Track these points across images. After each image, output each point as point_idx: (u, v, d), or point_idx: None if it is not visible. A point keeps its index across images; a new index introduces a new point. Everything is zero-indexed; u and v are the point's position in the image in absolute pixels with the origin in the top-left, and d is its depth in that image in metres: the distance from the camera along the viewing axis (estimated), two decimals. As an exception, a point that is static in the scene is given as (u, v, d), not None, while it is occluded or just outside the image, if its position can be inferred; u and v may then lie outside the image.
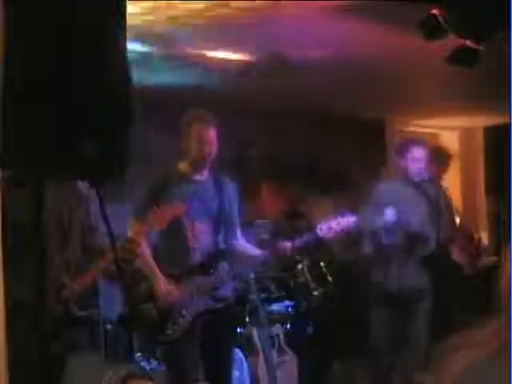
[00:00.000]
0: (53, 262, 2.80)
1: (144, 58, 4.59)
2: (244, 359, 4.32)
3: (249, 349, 4.42)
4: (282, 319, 4.92)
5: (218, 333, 3.44)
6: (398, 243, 4.26)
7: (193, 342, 3.34)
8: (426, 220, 4.24)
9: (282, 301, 5.19)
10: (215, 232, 3.47)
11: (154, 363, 4.12)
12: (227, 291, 3.52)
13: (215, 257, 3.45)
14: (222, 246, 3.50)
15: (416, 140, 4.43)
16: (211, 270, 3.42)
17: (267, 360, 4.26)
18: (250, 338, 4.45)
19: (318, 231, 3.53)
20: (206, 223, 3.43)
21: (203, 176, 3.50)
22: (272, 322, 4.61)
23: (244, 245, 3.71)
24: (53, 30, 1.64)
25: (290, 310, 5.11)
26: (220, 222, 3.49)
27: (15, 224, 2.51)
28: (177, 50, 4.62)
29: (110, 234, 2.07)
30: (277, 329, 4.65)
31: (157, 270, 3.32)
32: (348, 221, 3.55)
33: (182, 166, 3.50)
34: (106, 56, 1.72)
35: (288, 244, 3.55)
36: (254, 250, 3.69)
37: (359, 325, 4.58)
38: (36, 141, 1.64)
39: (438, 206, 4.35)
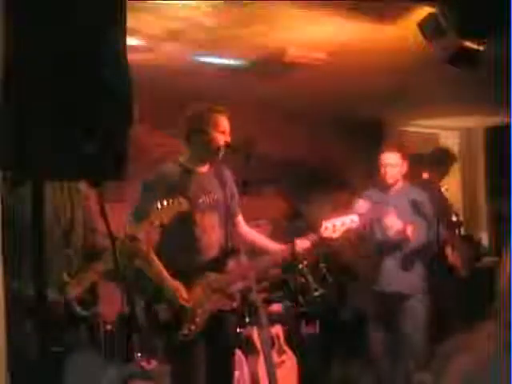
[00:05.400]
0: (54, 261, 2.80)
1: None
2: (244, 359, 4.32)
3: (249, 349, 4.42)
4: (281, 319, 4.92)
5: (225, 332, 3.38)
6: (383, 245, 4.33)
7: (200, 342, 3.27)
8: (414, 223, 4.24)
9: (282, 301, 5.19)
10: (224, 225, 3.38)
11: (154, 363, 4.13)
12: (238, 288, 3.46)
13: (226, 252, 3.36)
14: (232, 239, 3.42)
15: (391, 145, 4.46)
16: (223, 266, 3.33)
17: (267, 360, 4.25)
18: (249, 338, 4.45)
19: (322, 230, 3.48)
20: (214, 216, 3.34)
21: (205, 168, 3.42)
22: (272, 322, 4.61)
23: (254, 233, 3.64)
24: (52, 30, 1.64)
25: (289, 310, 5.11)
26: (226, 214, 3.41)
27: (15, 224, 2.51)
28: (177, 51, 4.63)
29: (110, 234, 2.07)
30: (277, 329, 4.65)
31: (162, 268, 3.22)
32: (352, 220, 3.54)
33: (185, 159, 3.41)
34: (105, 56, 1.72)
35: (306, 241, 3.46)
36: (266, 241, 3.60)
37: (358, 325, 4.58)
38: (36, 141, 1.64)
39: (433, 207, 4.40)
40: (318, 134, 6.90)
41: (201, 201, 3.30)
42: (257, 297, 4.24)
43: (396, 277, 4.29)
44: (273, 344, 4.50)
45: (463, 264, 5.53)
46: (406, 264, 4.29)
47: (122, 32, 1.76)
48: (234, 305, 3.38)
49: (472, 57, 4.05)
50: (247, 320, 4.59)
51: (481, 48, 4.00)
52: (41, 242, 1.74)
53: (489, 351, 1.11)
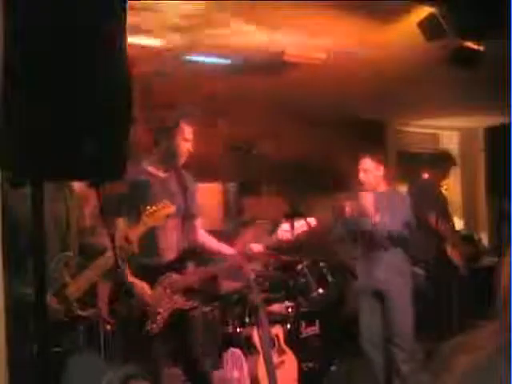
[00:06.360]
0: (53, 261, 2.80)
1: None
2: (244, 359, 4.32)
3: (249, 349, 4.42)
4: (281, 319, 4.92)
5: (192, 332, 3.46)
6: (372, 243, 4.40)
7: (168, 339, 3.35)
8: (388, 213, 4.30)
9: (282, 301, 5.19)
10: (183, 228, 3.48)
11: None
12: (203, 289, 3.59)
13: (187, 254, 3.46)
14: (191, 242, 3.52)
15: (368, 153, 4.51)
16: (183, 268, 3.43)
17: (267, 360, 4.25)
18: (249, 338, 4.44)
19: (279, 233, 3.59)
20: (174, 220, 3.41)
21: (167, 173, 3.50)
22: (272, 322, 4.61)
23: (209, 238, 3.73)
24: (52, 30, 1.64)
25: (290, 310, 5.11)
26: (186, 219, 3.50)
27: (15, 224, 2.51)
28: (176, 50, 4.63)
29: (110, 235, 2.07)
30: (277, 329, 4.65)
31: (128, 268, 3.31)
32: (309, 223, 3.64)
33: (148, 163, 3.48)
34: (105, 56, 1.72)
35: (259, 246, 3.57)
36: (219, 246, 3.70)
37: (357, 324, 4.59)
38: (36, 141, 1.64)
39: (413, 210, 4.47)
40: (318, 133, 6.90)
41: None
42: (257, 297, 4.24)
43: (375, 273, 4.37)
44: (273, 344, 4.49)
45: (463, 263, 5.55)
46: (379, 255, 4.35)
47: (122, 32, 1.76)
48: (195, 304, 3.45)
49: (472, 57, 4.05)
50: (247, 320, 4.60)
51: (481, 48, 4.00)
52: (41, 243, 1.74)
53: (489, 351, 1.11)
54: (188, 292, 3.43)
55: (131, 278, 3.27)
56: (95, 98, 1.71)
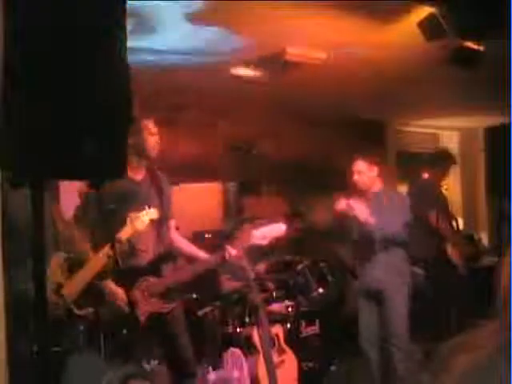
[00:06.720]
0: (51, 261, 2.81)
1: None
2: (244, 359, 4.32)
3: (249, 349, 4.42)
4: (282, 319, 4.92)
5: (178, 334, 3.47)
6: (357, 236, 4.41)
7: (151, 342, 3.38)
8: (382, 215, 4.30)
9: (282, 301, 5.19)
10: (158, 231, 3.46)
11: (154, 363, 4.12)
12: (179, 291, 3.55)
13: (163, 257, 3.45)
14: (167, 245, 3.52)
15: (361, 155, 4.51)
16: (159, 271, 3.42)
17: (267, 360, 4.25)
18: (249, 338, 4.45)
19: (253, 238, 3.58)
20: (152, 223, 3.38)
21: (140, 175, 3.48)
22: (272, 321, 4.61)
23: (182, 240, 3.73)
24: (52, 30, 1.64)
25: (290, 309, 5.11)
26: (163, 222, 3.49)
27: (15, 224, 2.51)
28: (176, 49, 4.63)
29: (111, 234, 2.07)
30: (277, 329, 4.65)
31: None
32: (280, 228, 3.64)
33: None
34: (105, 56, 1.72)
35: (234, 250, 3.55)
36: (195, 251, 3.71)
37: (357, 324, 4.59)
38: (36, 141, 1.64)
39: (408, 209, 4.47)
40: (318, 133, 6.90)
41: (138, 209, 3.30)
42: (257, 297, 4.25)
43: (374, 273, 4.39)
44: (273, 344, 4.49)
45: (463, 263, 5.55)
46: (378, 254, 4.36)
47: (122, 32, 1.76)
48: (172, 307, 3.45)
49: (472, 57, 4.05)
50: (247, 320, 4.59)
51: (481, 48, 4.00)
52: (41, 243, 1.74)
53: (489, 351, 1.11)
54: (166, 294, 3.42)
55: (109, 284, 3.26)
56: (95, 98, 1.71)
